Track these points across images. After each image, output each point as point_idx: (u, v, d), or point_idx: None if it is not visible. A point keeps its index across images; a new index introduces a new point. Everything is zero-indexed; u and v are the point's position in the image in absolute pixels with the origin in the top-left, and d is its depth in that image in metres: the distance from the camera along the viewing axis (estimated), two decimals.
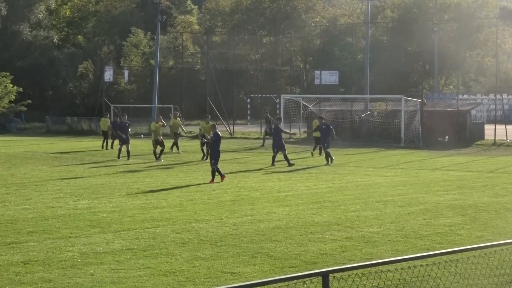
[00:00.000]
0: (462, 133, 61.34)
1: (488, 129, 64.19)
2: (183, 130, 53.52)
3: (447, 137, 61.30)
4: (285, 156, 41.82)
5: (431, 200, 27.88)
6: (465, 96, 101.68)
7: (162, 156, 45.35)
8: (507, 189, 31.62)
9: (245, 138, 72.77)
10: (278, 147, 42.11)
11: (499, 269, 13.54)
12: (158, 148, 45.14)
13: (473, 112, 67.75)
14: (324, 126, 45.00)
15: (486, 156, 50.80)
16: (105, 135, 55.80)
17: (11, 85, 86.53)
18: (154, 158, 45.29)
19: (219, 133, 37.74)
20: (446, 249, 13.54)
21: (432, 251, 14.79)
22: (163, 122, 47.90)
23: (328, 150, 43.45)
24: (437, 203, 27.05)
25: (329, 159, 42.87)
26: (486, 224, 22.48)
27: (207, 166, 39.20)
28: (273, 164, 41.72)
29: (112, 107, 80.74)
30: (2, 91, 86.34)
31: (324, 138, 44.41)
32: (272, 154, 42.54)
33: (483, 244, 12.29)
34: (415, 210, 25.24)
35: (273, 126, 44.32)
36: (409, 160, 47.41)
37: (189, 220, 22.85)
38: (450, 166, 43.07)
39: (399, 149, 56.89)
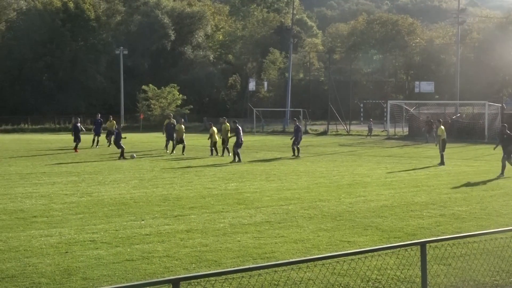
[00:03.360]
0: None
1: None
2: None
3: None
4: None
5: (510, 185, 27.18)
6: None
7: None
8: None
9: (359, 135, 72.44)
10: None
11: None
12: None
13: None
14: (505, 136, 32.53)
15: None
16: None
17: (178, 93, 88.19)
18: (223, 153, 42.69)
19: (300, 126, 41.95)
20: None
21: (511, 226, 14.42)
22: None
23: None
24: None
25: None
26: None
27: (326, 157, 39.17)
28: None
29: (255, 111, 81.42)
30: (171, 98, 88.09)
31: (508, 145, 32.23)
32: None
33: None
34: (496, 193, 24.67)
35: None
36: (491, 153, 46.27)
37: (314, 200, 22.82)
38: None
39: (483, 144, 55.68)
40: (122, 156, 40.07)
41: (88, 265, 13.59)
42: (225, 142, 42.79)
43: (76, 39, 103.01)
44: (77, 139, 46.16)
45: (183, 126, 45.34)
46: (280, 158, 41.13)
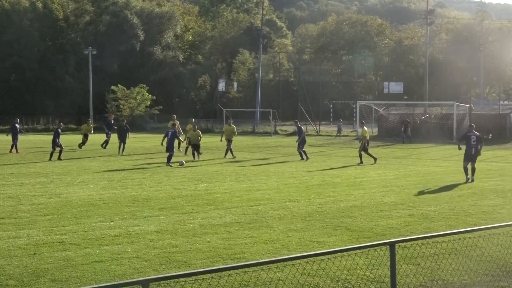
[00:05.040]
0: (503, 132, 60.38)
1: None
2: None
3: (490, 135, 60.18)
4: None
5: (478, 185, 27.43)
6: (506, 102, 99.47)
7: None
8: None
9: (328, 135, 72.66)
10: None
11: None
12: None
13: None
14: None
15: None
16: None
17: (147, 94, 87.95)
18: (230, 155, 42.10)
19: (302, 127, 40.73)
20: (490, 224, 13.34)
21: (479, 226, 14.56)
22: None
23: None
24: (482, 188, 26.61)
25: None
26: None
27: (291, 158, 39.32)
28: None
29: (224, 111, 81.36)
30: (140, 99, 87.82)
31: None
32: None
33: None
34: (464, 193, 24.88)
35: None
36: (460, 153, 46.59)
37: (284, 200, 22.88)
38: (493, 158, 42.30)
39: (452, 144, 56.05)
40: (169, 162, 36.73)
41: (57, 267, 13.51)
42: (229, 142, 42.23)
43: (44, 39, 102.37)
44: (15, 139, 45.62)
45: (234, 127, 44.25)
46: (251, 160, 41.14)
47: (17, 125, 47.24)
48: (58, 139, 40.56)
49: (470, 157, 29.54)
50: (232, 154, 41.80)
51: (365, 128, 39.75)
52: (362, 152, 38.39)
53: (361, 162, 37.98)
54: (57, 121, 50.65)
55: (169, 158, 36.34)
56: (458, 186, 27.17)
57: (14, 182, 28.15)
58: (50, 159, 39.62)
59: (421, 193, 25.02)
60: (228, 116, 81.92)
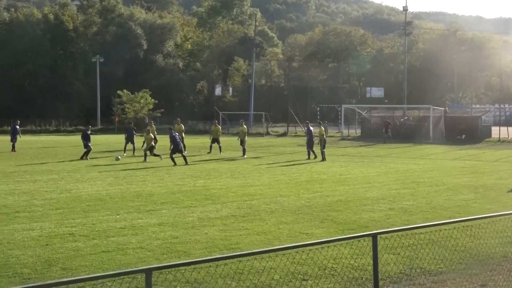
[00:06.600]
0: (475, 133, 60.45)
1: (494, 129, 63.26)
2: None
3: (463, 135, 60.34)
4: None
5: (452, 182, 27.45)
6: (477, 106, 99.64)
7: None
8: (509, 173, 31.03)
9: (316, 136, 72.50)
10: None
11: (503, 232, 13.29)
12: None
13: (483, 117, 66.44)
14: None
15: (493, 150, 49.85)
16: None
17: (150, 98, 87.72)
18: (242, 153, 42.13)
19: (311, 128, 40.70)
20: (463, 217, 13.34)
21: (453, 219, 14.55)
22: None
23: None
24: (456, 184, 26.63)
25: None
26: (493, 199, 22.03)
27: (286, 157, 39.19)
28: None
29: (220, 114, 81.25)
30: (143, 102, 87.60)
31: None
32: None
33: (491, 214, 12.06)
34: (440, 189, 24.89)
35: None
36: (435, 152, 46.77)
37: (276, 195, 22.86)
38: (466, 157, 42.37)
39: (428, 144, 56.21)
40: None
41: (67, 256, 13.47)
42: (243, 142, 42.37)
43: (55, 47, 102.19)
44: (13, 140, 45.31)
45: (219, 127, 45.58)
46: (245, 158, 41.07)
47: (17, 126, 46.81)
48: (89, 141, 38.99)
49: None
50: (220, 151, 43.76)
51: (323, 127, 41.90)
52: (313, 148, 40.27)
53: (324, 159, 38.93)
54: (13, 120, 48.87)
55: (173, 153, 35.94)
56: (434, 182, 27.19)
57: (28, 179, 28.06)
58: (86, 158, 38.44)
59: (400, 188, 25.03)
60: (224, 118, 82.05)
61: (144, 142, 39.93)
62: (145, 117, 46.05)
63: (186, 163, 34.92)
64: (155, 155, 38.82)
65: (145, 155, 38.43)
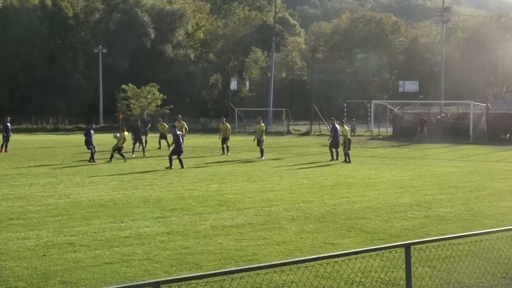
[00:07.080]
0: None
1: None
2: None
3: (508, 135, 60.07)
4: None
5: (495, 186, 27.33)
6: None
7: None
8: None
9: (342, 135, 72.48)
10: None
11: None
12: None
13: None
14: None
15: None
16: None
17: (158, 93, 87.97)
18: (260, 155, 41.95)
19: (337, 126, 40.55)
20: (508, 226, 13.26)
21: (496, 227, 14.49)
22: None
23: None
24: (499, 189, 26.51)
25: None
26: None
27: (301, 159, 39.14)
28: None
29: (236, 111, 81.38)
30: (151, 98, 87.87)
31: None
32: None
33: None
34: (481, 194, 24.80)
35: None
36: (476, 153, 46.58)
37: (297, 201, 22.86)
38: (510, 158, 42.19)
39: (468, 144, 55.99)
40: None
41: (66, 269, 13.54)
42: (260, 142, 42.22)
43: (53, 37, 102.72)
44: (5, 139, 45.64)
45: (227, 125, 45.96)
46: (263, 160, 41.11)
47: (8, 124, 47.18)
48: (91, 139, 39.13)
49: None
50: (228, 151, 44.24)
51: (346, 127, 41.17)
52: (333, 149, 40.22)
53: (349, 161, 38.72)
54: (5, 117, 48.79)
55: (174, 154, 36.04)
56: (474, 187, 27.08)
57: (24, 182, 28.24)
58: (93, 161, 38.31)
59: (436, 194, 24.95)
60: (240, 115, 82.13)
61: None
62: (143, 113, 46.13)
63: (182, 167, 34.90)
64: (121, 155, 39.30)
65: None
